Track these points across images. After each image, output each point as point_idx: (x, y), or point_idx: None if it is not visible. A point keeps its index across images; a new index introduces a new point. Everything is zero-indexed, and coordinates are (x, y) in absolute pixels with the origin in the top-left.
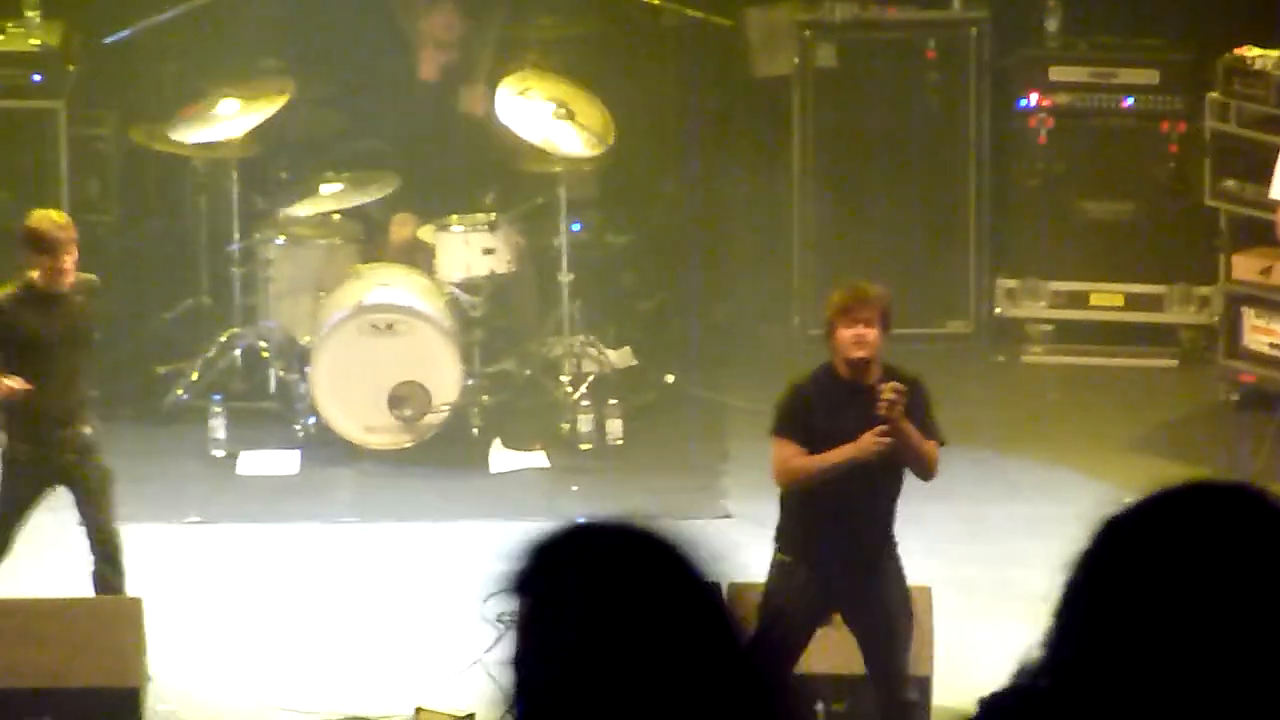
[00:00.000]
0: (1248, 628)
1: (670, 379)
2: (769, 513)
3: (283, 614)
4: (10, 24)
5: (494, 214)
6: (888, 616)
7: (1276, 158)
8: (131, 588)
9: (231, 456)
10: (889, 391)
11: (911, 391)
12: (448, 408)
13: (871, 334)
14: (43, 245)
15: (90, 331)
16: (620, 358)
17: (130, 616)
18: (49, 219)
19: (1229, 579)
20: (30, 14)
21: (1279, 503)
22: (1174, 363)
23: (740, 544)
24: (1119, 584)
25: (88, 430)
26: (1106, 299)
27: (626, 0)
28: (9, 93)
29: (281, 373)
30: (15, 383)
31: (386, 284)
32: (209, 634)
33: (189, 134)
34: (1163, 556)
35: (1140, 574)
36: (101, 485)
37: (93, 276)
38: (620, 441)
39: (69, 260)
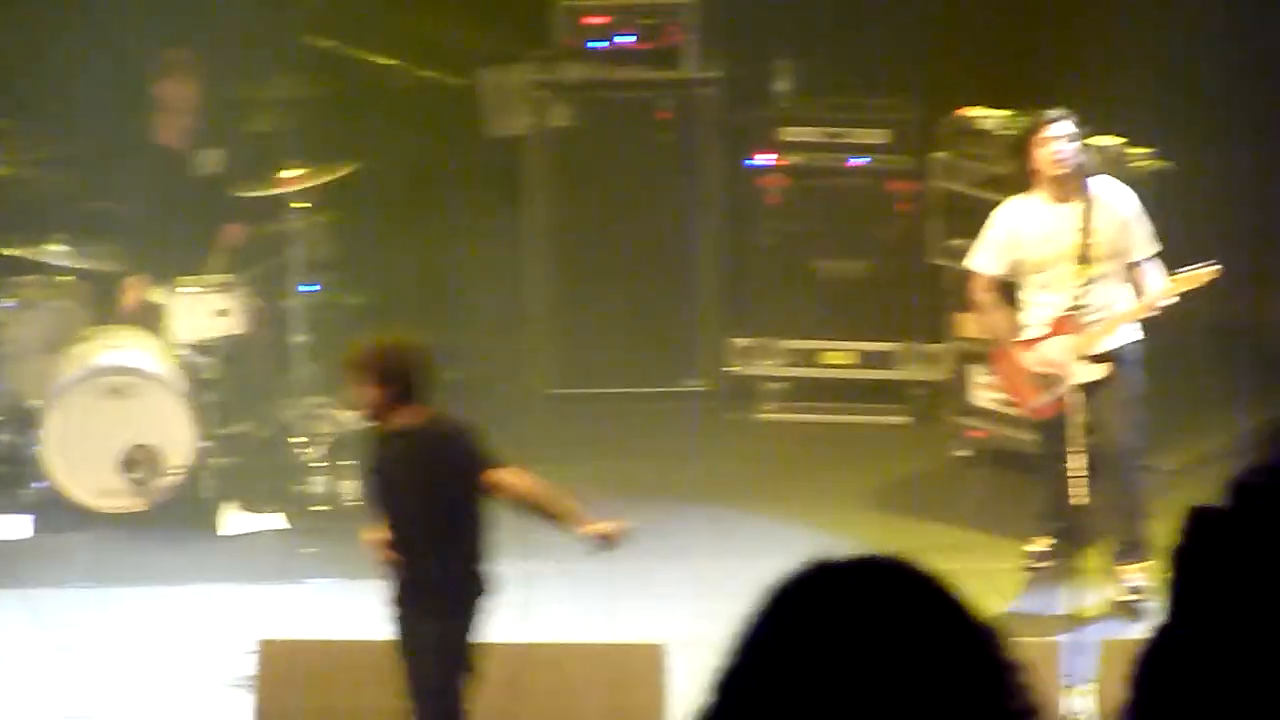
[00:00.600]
0: None
1: None
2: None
3: (17, 681)
4: None
5: (229, 276)
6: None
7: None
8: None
9: None
10: None
11: (456, 439)
12: (181, 470)
13: (369, 394)
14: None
15: None
16: (355, 419)
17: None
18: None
19: None
20: None
21: None
22: (906, 419)
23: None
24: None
25: None
26: (839, 357)
27: (361, 61)
28: None
29: (11, 436)
30: None
31: (117, 346)
32: None
33: None
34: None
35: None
36: None
37: None
38: (355, 502)
39: None
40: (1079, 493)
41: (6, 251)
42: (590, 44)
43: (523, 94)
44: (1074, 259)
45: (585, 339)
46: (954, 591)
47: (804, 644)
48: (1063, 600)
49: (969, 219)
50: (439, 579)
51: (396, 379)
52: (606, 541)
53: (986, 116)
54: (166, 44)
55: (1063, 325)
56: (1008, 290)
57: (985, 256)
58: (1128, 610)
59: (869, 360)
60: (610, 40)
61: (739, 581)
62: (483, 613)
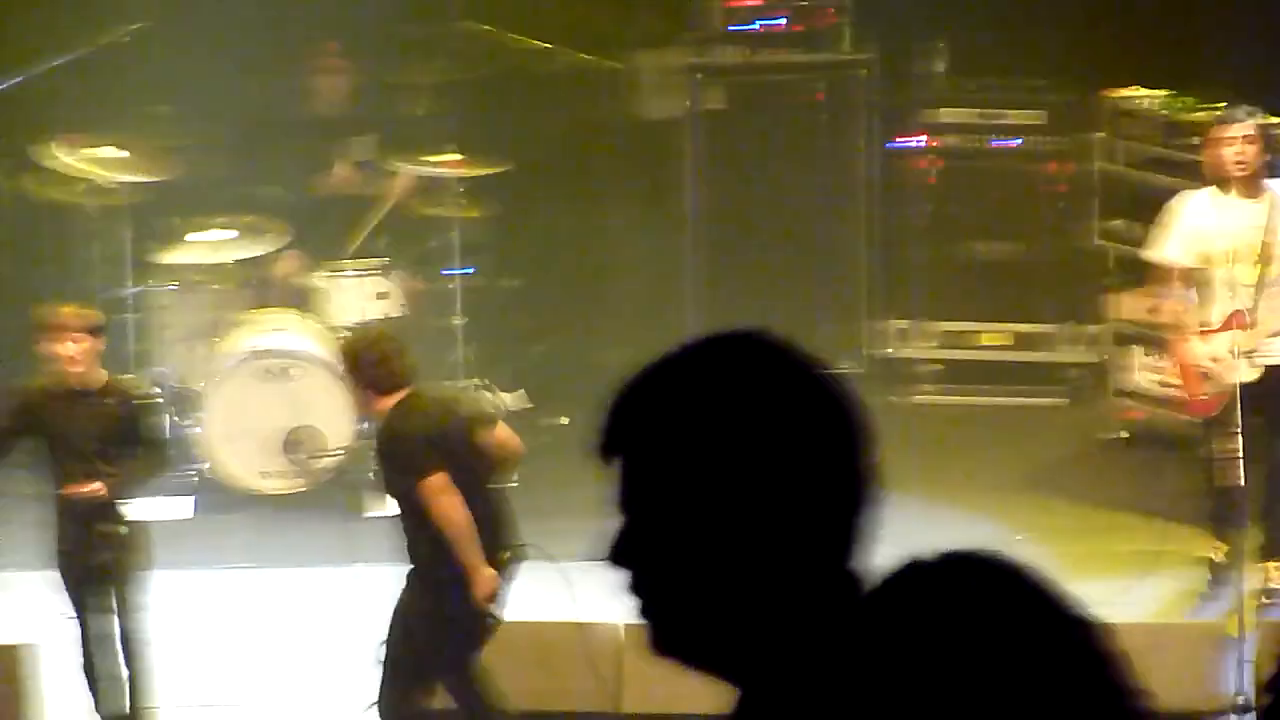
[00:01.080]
0: None
1: (564, 421)
2: None
3: (176, 660)
4: None
5: (387, 258)
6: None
7: (1161, 210)
8: (23, 634)
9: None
10: None
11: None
12: (341, 451)
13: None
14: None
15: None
16: (514, 400)
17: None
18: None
19: None
20: None
21: None
22: (1063, 401)
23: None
24: None
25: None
26: (993, 339)
27: (516, 44)
28: None
29: (175, 418)
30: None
31: (280, 329)
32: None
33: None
34: None
35: None
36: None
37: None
38: (514, 484)
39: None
40: (1232, 474)
41: (162, 242)
42: (742, 27)
43: (675, 77)
44: (1253, 258)
45: (736, 321)
46: (1048, 585)
47: (896, 647)
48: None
49: (1128, 199)
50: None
51: (361, 374)
52: (485, 600)
53: (1142, 97)
54: (320, 29)
55: (1234, 321)
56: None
57: (1173, 247)
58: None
59: (1023, 342)
60: (763, 23)
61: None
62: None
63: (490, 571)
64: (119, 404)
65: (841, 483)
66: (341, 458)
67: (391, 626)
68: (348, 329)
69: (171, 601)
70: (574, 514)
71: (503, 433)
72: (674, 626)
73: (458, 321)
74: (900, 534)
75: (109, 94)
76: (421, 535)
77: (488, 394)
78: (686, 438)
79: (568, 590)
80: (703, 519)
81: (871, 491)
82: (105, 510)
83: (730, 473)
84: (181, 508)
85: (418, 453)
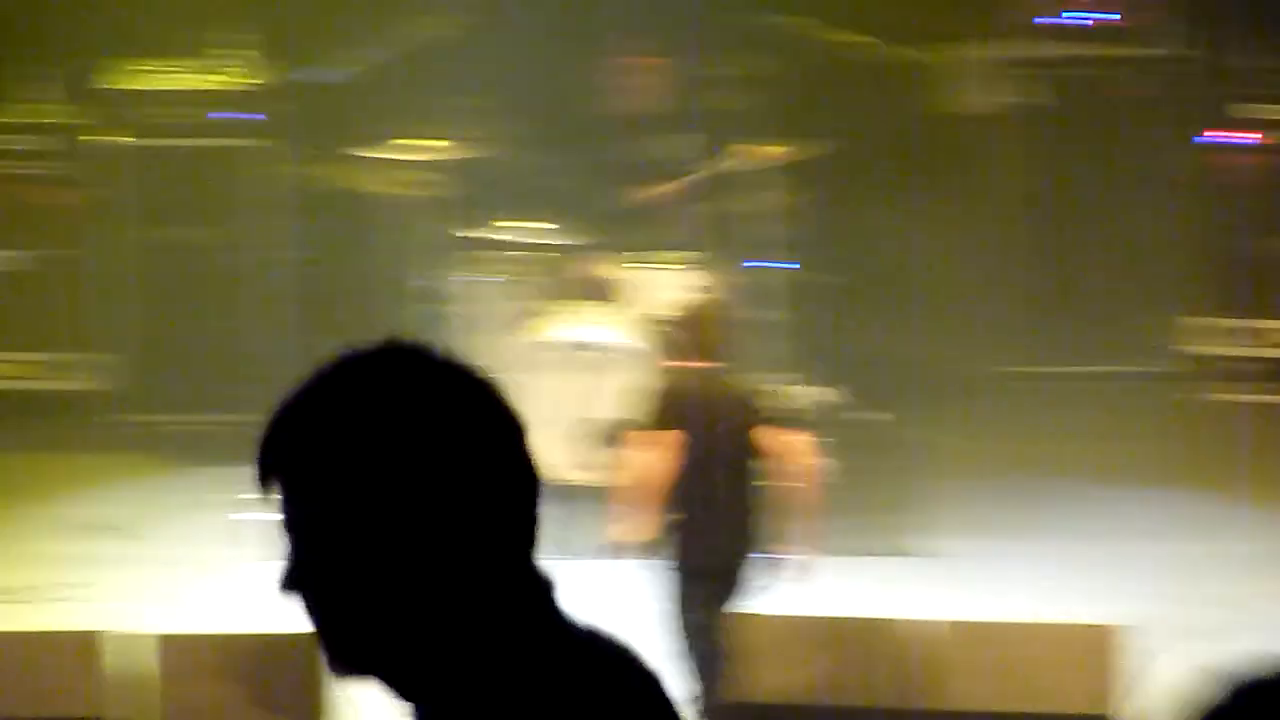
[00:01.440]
0: None
1: (888, 418)
2: (987, 548)
3: None
4: (217, 64)
5: (699, 250)
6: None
7: None
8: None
9: None
10: None
11: None
12: None
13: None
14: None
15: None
16: (832, 396)
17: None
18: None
19: None
20: (238, 53)
21: None
22: None
23: (939, 578)
24: None
25: None
26: None
27: (823, 38)
28: (218, 130)
29: None
30: None
31: (582, 321)
32: None
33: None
34: None
35: None
36: None
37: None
38: (832, 479)
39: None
40: None
41: (472, 233)
42: (1053, 20)
43: (985, 71)
44: None
45: (1041, 316)
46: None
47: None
48: None
49: None
50: None
51: (673, 336)
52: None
53: None
54: (637, 23)
55: None
56: None
57: None
58: None
59: None
60: (1073, 16)
61: (1190, 563)
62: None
63: (622, 525)
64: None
65: (502, 483)
66: None
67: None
68: (655, 321)
69: None
70: (895, 509)
71: (788, 438)
72: (349, 645)
73: (773, 316)
74: (1198, 533)
75: (428, 86)
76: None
77: (801, 390)
78: (340, 454)
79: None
80: (365, 534)
81: (533, 486)
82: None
83: (386, 484)
84: None
85: (648, 407)
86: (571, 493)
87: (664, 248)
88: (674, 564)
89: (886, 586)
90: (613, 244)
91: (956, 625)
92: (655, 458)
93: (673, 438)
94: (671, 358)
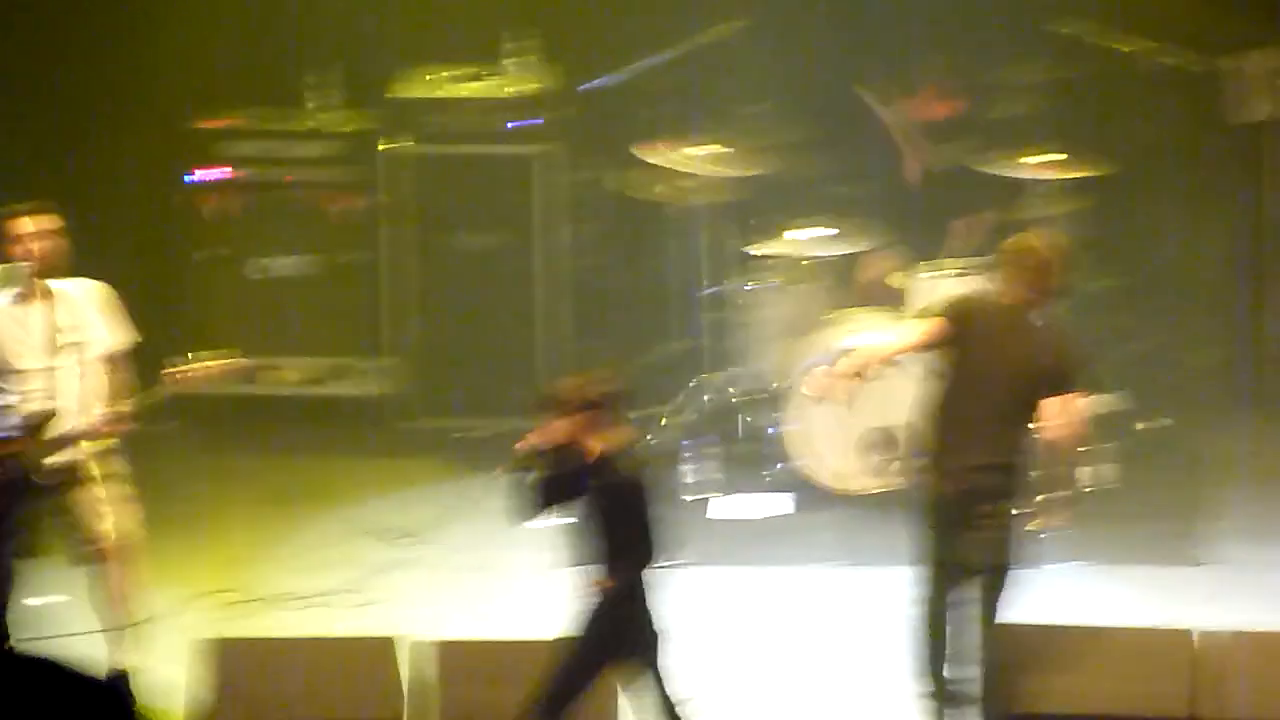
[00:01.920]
0: None
1: (1166, 423)
2: (1262, 559)
3: (768, 655)
4: (501, 71)
5: (986, 257)
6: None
7: None
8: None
9: (702, 501)
10: None
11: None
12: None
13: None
14: None
15: None
16: (1113, 402)
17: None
18: None
19: None
20: (520, 59)
21: None
22: None
23: (1219, 592)
24: None
25: None
26: None
27: (1105, 46)
28: (500, 138)
29: (751, 418)
30: None
31: (862, 329)
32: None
33: (680, 162)
34: None
35: None
36: None
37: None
38: (1114, 485)
39: None
40: None
41: (756, 240)
42: None
43: (1267, 80)
44: None
45: None
46: None
47: None
48: None
49: None
50: None
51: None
52: None
53: None
54: (916, 30)
55: None
56: None
57: None
58: None
59: None
60: None
61: None
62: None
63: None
64: None
65: None
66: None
67: None
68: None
69: (765, 598)
70: (1171, 517)
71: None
72: None
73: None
74: None
75: (710, 91)
76: None
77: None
78: None
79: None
80: None
81: None
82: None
83: None
84: (782, 504)
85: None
86: (861, 501)
87: (949, 255)
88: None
89: (1174, 595)
90: (895, 251)
91: (1241, 635)
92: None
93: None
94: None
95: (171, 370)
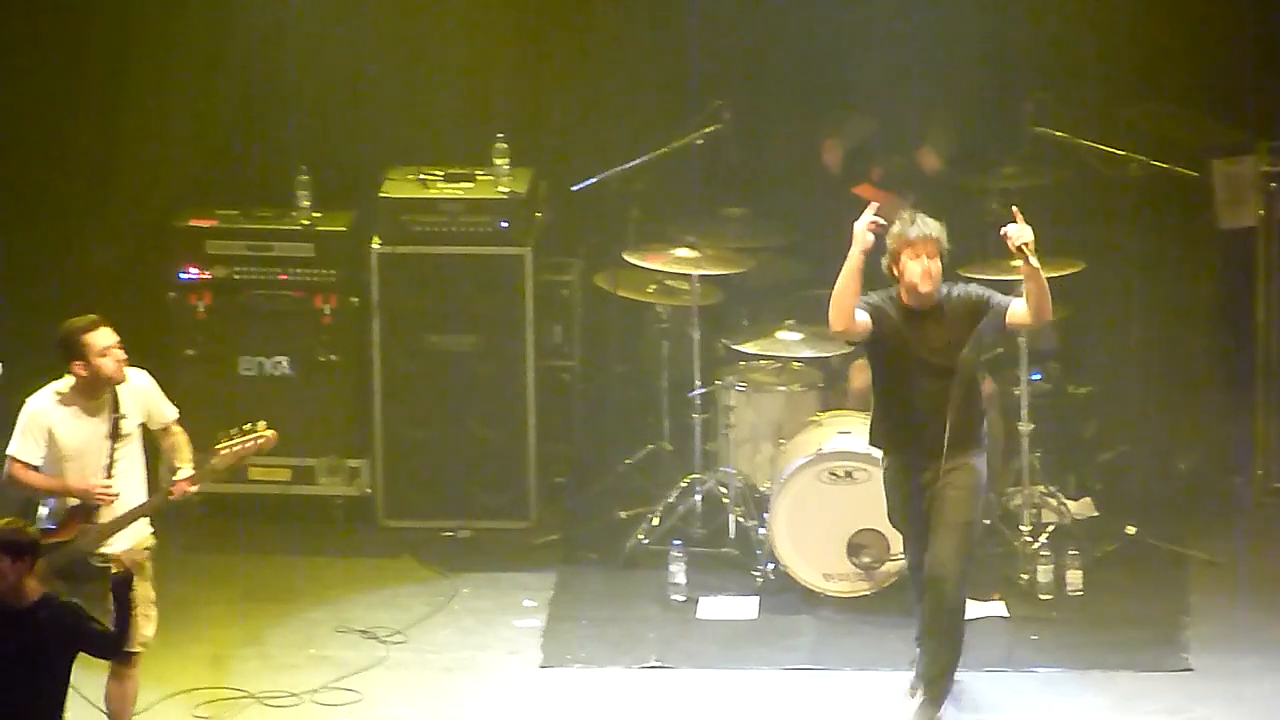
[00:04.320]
0: None
1: (1131, 530)
2: (1234, 667)
3: None
4: (479, 172)
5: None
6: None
7: None
8: None
9: (690, 601)
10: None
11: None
12: (901, 556)
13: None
14: None
15: None
16: (1080, 508)
17: None
18: None
19: None
20: (499, 162)
21: None
22: None
23: (1200, 696)
24: None
25: None
26: None
27: (1091, 151)
28: (478, 239)
29: (741, 519)
30: None
31: (846, 431)
32: None
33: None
34: None
35: None
36: None
37: None
38: (1080, 593)
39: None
40: None
41: (739, 342)
42: None
43: (1254, 185)
44: None
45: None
46: None
47: None
48: None
49: None
50: None
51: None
52: None
53: None
54: (890, 133)
55: None
56: None
57: None
58: None
59: None
60: None
61: None
62: None
63: None
64: None
65: None
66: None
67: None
68: None
69: (735, 701)
70: (1135, 624)
71: None
72: None
73: (1025, 428)
74: None
75: (682, 194)
76: None
77: (1053, 501)
78: None
79: None
80: None
81: None
82: None
83: None
84: (748, 608)
85: None
86: (849, 604)
87: None
88: None
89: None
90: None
91: None
92: None
93: None
94: None
95: (224, 445)
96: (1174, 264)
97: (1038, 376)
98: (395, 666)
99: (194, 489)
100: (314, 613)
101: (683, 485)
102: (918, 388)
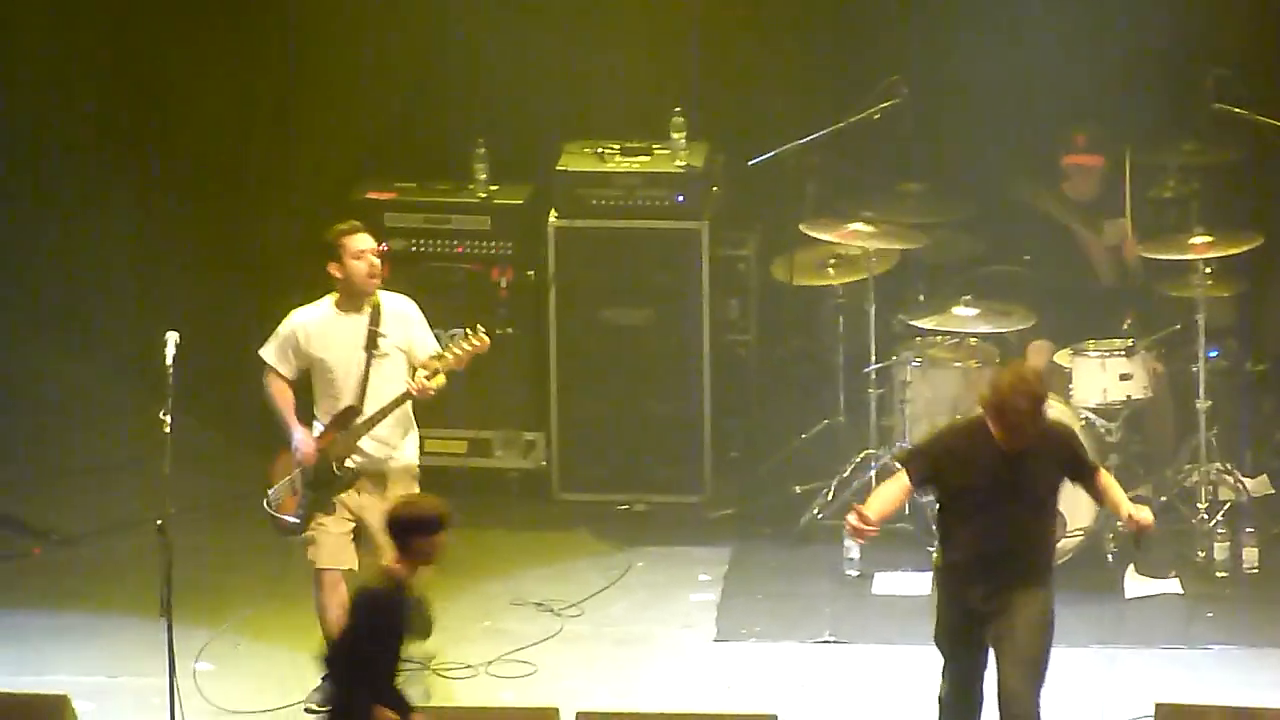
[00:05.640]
0: None
1: None
2: None
3: None
4: (657, 146)
5: (1131, 340)
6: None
7: None
8: (761, 704)
9: (865, 576)
10: None
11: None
12: (1082, 533)
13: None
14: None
15: None
16: (1257, 486)
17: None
18: None
19: None
20: (676, 136)
21: None
22: None
23: None
24: None
25: None
26: None
27: (1270, 126)
28: (655, 213)
29: (916, 494)
30: None
31: None
32: None
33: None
34: None
35: None
36: None
37: None
38: (1256, 570)
39: None
40: None
41: (915, 317)
42: None
43: None
44: None
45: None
46: None
47: None
48: None
49: None
50: None
51: None
52: None
53: None
54: (1078, 110)
55: None
56: None
57: None
58: None
59: None
60: None
61: None
62: None
63: None
64: None
65: None
66: (1081, 539)
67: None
68: (1092, 409)
69: (909, 677)
70: None
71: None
72: None
73: (1202, 405)
74: None
75: (859, 169)
76: None
77: (1229, 478)
78: None
79: None
80: None
81: None
82: None
83: None
84: (922, 583)
85: None
86: None
87: (1103, 336)
88: None
89: None
90: (1057, 332)
91: None
92: None
93: None
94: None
95: (452, 348)
96: None
97: (1214, 354)
98: (570, 639)
99: (432, 387)
100: (489, 585)
101: (857, 460)
102: (996, 516)
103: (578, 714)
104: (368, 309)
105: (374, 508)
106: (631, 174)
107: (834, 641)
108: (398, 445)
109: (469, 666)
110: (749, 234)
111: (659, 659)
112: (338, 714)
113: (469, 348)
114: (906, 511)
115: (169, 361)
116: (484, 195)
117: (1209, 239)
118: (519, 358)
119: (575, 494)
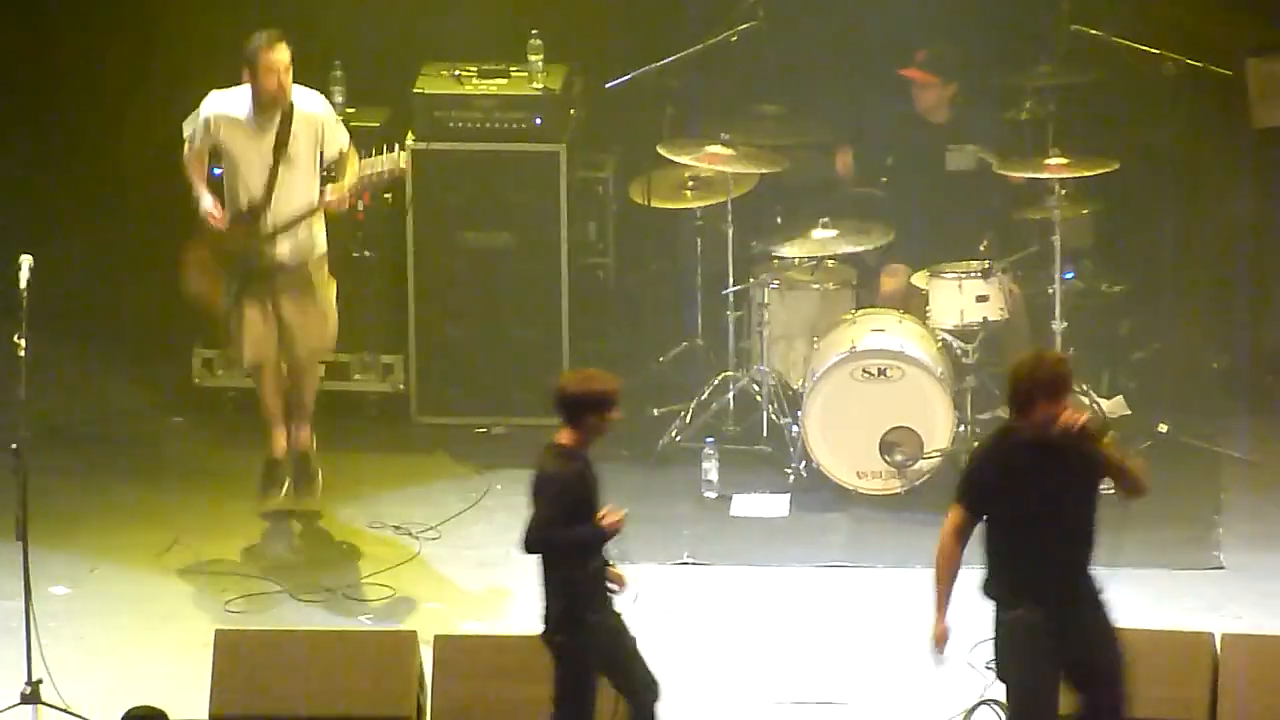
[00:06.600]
0: None
1: (1164, 428)
2: (1264, 564)
3: (774, 656)
4: (514, 69)
5: (988, 261)
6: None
7: None
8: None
9: (723, 499)
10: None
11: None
12: (939, 453)
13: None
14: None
15: None
16: (1113, 406)
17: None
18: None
19: None
20: (534, 59)
21: None
22: None
23: (1232, 595)
24: None
25: None
26: None
27: (1126, 49)
28: (513, 135)
29: (774, 416)
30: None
31: (880, 329)
32: (693, 673)
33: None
34: None
35: None
36: None
37: None
38: (1111, 491)
39: None
40: None
41: (773, 242)
42: None
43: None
44: None
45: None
46: None
47: None
48: None
49: None
50: None
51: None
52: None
53: None
54: (926, 31)
55: None
56: None
57: None
58: None
59: None
60: None
61: None
62: None
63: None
64: None
65: None
66: (938, 460)
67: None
68: (949, 331)
69: (768, 598)
70: (1168, 522)
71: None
72: None
73: (1058, 326)
74: None
75: (717, 92)
76: None
77: (1086, 399)
78: None
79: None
80: None
81: None
82: None
83: None
84: (780, 505)
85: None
86: (860, 501)
87: (960, 258)
88: None
89: (1195, 599)
90: (914, 255)
91: (1264, 639)
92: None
93: None
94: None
95: (367, 167)
96: (1209, 162)
97: (1071, 275)
98: (428, 562)
99: (337, 200)
100: (346, 509)
101: (716, 382)
102: (1054, 521)
103: (436, 637)
104: (278, 113)
105: (291, 303)
106: (489, 96)
107: (693, 563)
108: (309, 243)
109: (327, 590)
110: (607, 156)
111: (518, 581)
112: (557, 596)
113: (387, 170)
114: (765, 434)
115: (23, 286)
116: (340, 118)
117: (1064, 160)
118: (378, 281)
119: (433, 417)
